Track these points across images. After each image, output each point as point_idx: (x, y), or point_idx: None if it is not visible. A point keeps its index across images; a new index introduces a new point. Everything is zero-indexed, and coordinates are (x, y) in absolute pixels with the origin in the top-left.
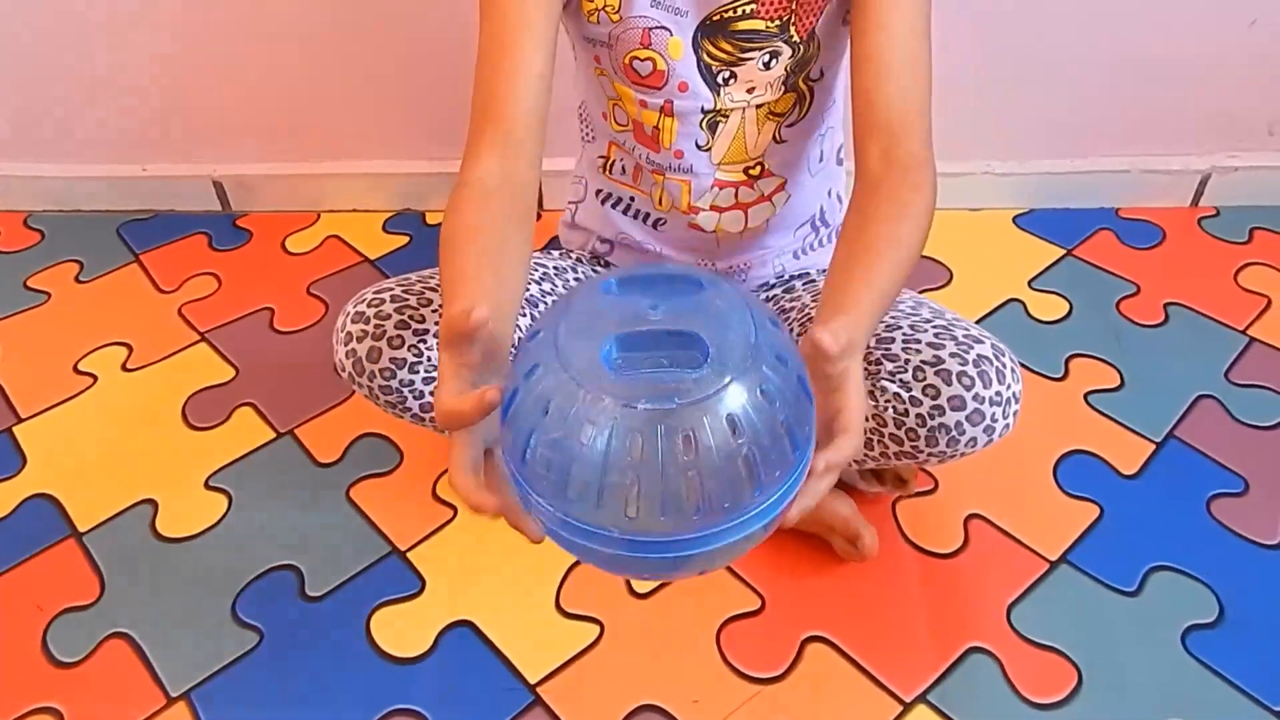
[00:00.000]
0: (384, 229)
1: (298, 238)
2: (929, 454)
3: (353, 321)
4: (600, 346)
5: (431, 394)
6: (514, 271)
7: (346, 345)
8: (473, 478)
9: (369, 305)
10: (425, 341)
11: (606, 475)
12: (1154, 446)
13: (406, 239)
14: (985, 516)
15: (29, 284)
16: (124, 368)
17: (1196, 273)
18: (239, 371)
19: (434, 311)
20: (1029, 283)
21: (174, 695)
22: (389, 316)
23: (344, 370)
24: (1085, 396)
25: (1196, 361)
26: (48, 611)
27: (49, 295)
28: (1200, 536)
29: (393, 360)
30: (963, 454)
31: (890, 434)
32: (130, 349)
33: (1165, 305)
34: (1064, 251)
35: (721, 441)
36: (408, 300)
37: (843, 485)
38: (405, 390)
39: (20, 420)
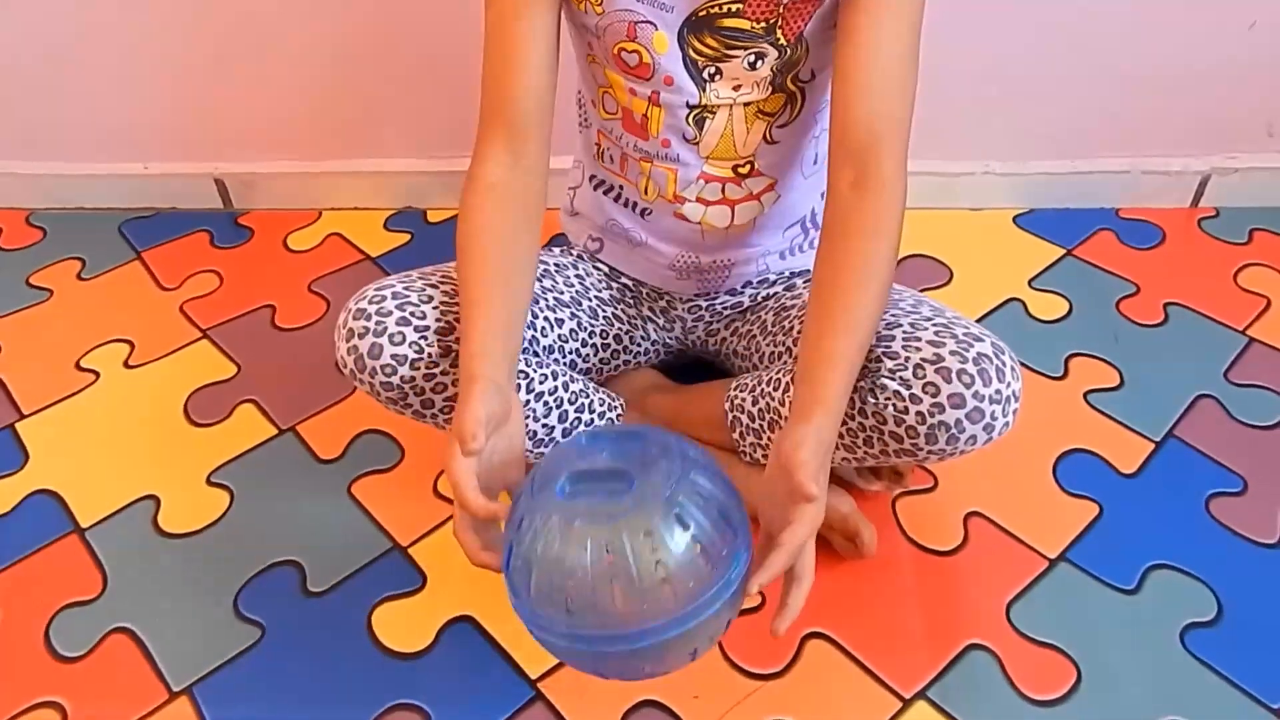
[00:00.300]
0: (385, 227)
1: (299, 235)
2: (928, 452)
3: (354, 318)
4: (556, 482)
5: (432, 390)
6: (524, 278)
7: (348, 342)
8: (474, 537)
9: (370, 302)
10: (426, 339)
11: (553, 577)
12: (1153, 446)
13: (408, 237)
14: (985, 514)
15: (31, 281)
16: (126, 365)
17: (1196, 273)
18: (240, 368)
19: (435, 308)
20: (1029, 282)
21: (176, 690)
22: (390, 314)
23: (345, 367)
24: (1085, 395)
25: (1196, 361)
26: (50, 605)
27: (51, 292)
28: (1199, 535)
29: (394, 357)
30: (962, 452)
31: (890, 432)
32: (132, 346)
33: (1165, 305)
34: (1064, 251)
35: (640, 548)
36: (409, 297)
37: (841, 482)
38: (406, 387)
39: (22, 416)
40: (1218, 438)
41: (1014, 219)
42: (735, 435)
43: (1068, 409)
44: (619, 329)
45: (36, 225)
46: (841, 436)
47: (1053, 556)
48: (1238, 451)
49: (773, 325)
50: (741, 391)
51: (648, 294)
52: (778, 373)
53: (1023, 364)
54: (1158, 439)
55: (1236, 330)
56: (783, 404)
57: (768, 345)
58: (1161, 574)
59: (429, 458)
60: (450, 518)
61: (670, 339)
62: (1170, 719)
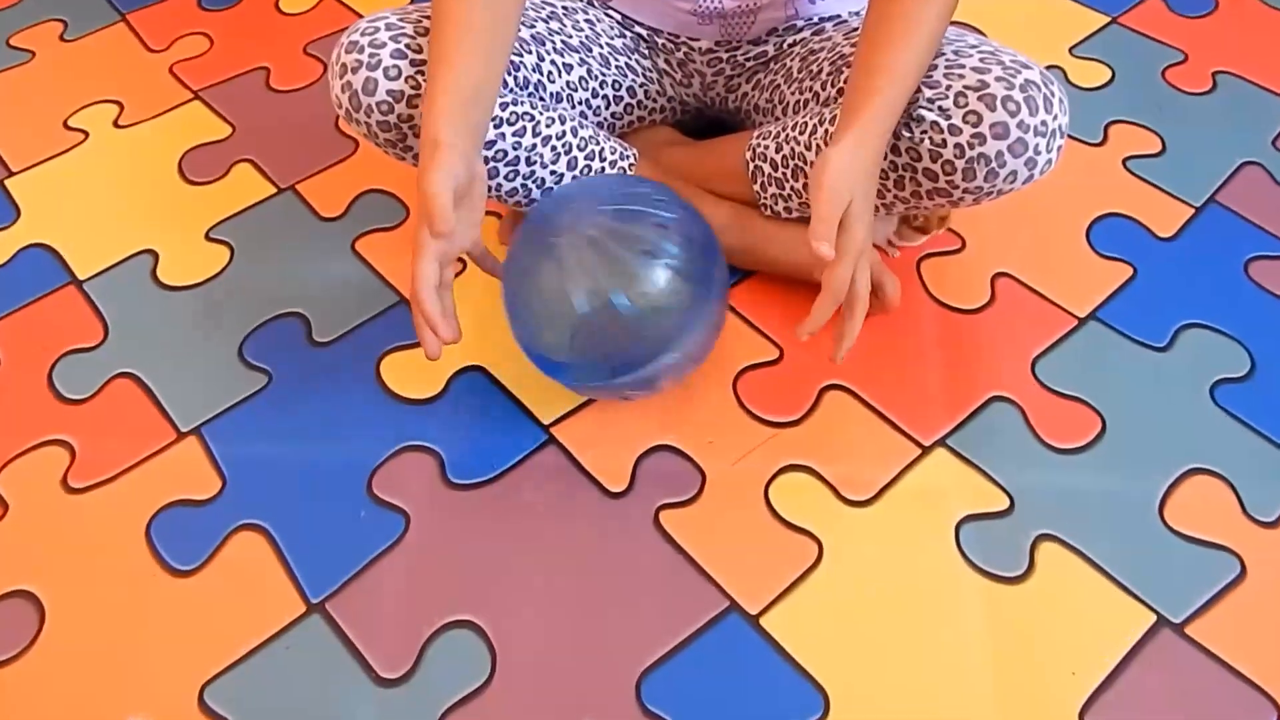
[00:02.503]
0: None
1: None
2: (964, 190)
3: (346, 51)
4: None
5: None
6: (502, 36)
7: (341, 78)
8: (435, 295)
9: (363, 34)
10: (424, 73)
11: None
12: (1193, 211)
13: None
14: (1013, 275)
15: (11, 43)
16: (116, 124)
17: (1248, 41)
18: (235, 129)
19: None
20: (1070, 50)
21: (184, 430)
22: (384, 45)
23: (340, 107)
24: (1124, 162)
25: (1243, 129)
26: (52, 351)
27: (33, 54)
28: (1236, 296)
29: (390, 93)
30: (1000, 191)
31: (924, 169)
32: (121, 106)
33: (1214, 74)
34: (1109, 19)
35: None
36: (404, 29)
37: None
38: (405, 126)
39: (11, 174)
40: (1261, 203)
41: None
42: (756, 187)
43: (1105, 174)
44: (632, 81)
45: None
46: None
47: (1082, 315)
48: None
49: (799, 72)
50: (764, 140)
51: (663, 44)
52: (804, 117)
53: None
54: (1198, 204)
55: None
56: (809, 148)
57: (793, 94)
58: (1194, 332)
59: None
60: (459, 272)
61: (688, 95)
62: (1197, 467)
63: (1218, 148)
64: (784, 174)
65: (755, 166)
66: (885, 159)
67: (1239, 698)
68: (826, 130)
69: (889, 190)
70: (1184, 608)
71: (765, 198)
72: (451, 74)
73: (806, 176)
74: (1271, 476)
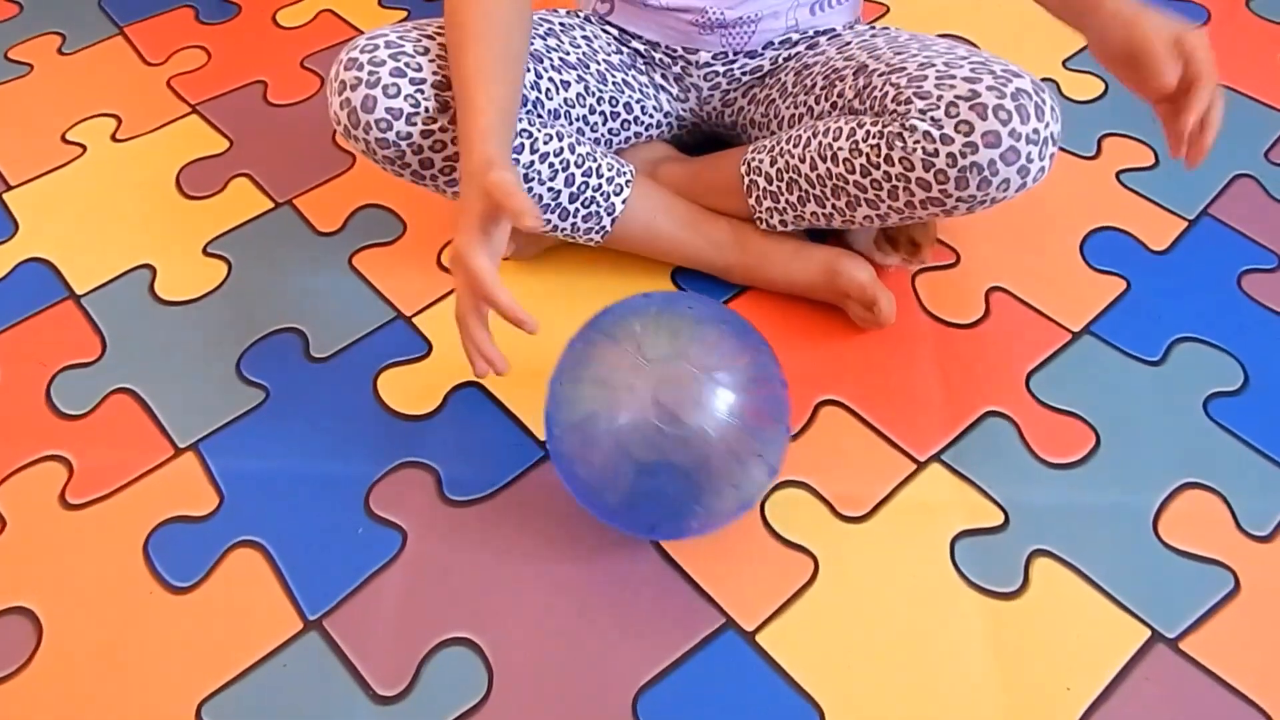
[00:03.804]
0: (380, 4)
1: (289, 12)
2: (958, 199)
3: (345, 69)
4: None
5: (430, 148)
6: (520, 54)
7: (340, 95)
8: (482, 327)
9: (362, 51)
10: (423, 92)
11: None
12: (1186, 224)
13: (404, 13)
14: (1007, 289)
15: (9, 56)
16: (114, 138)
17: (1241, 54)
18: (233, 143)
19: (431, 61)
20: (1063, 63)
21: (182, 446)
22: (383, 63)
23: (339, 124)
24: (1117, 175)
25: (1236, 141)
26: (50, 367)
27: (31, 67)
28: (1229, 310)
29: (389, 110)
30: (994, 200)
31: (918, 179)
32: (119, 120)
33: None
34: None
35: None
36: (403, 47)
37: (857, 253)
38: (404, 144)
39: (10, 187)
40: (1254, 216)
41: None
42: (751, 201)
43: (1099, 187)
44: (629, 97)
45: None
46: (864, 190)
47: (1076, 329)
48: (1274, 229)
49: (793, 86)
50: (759, 154)
51: (660, 59)
52: (798, 131)
53: None
54: (1191, 217)
55: (1279, 111)
56: (803, 160)
57: (787, 109)
58: (1188, 346)
59: (432, 230)
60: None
61: (684, 110)
62: (1190, 481)
63: (1210, 160)
64: (779, 187)
65: (750, 180)
66: (879, 169)
67: (1233, 712)
68: (820, 143)
69: (882, 201)
70: (1179, 623)
71: (760, 211)
72: (490, 90)
73: (801, 190)
74: (1265, 490)
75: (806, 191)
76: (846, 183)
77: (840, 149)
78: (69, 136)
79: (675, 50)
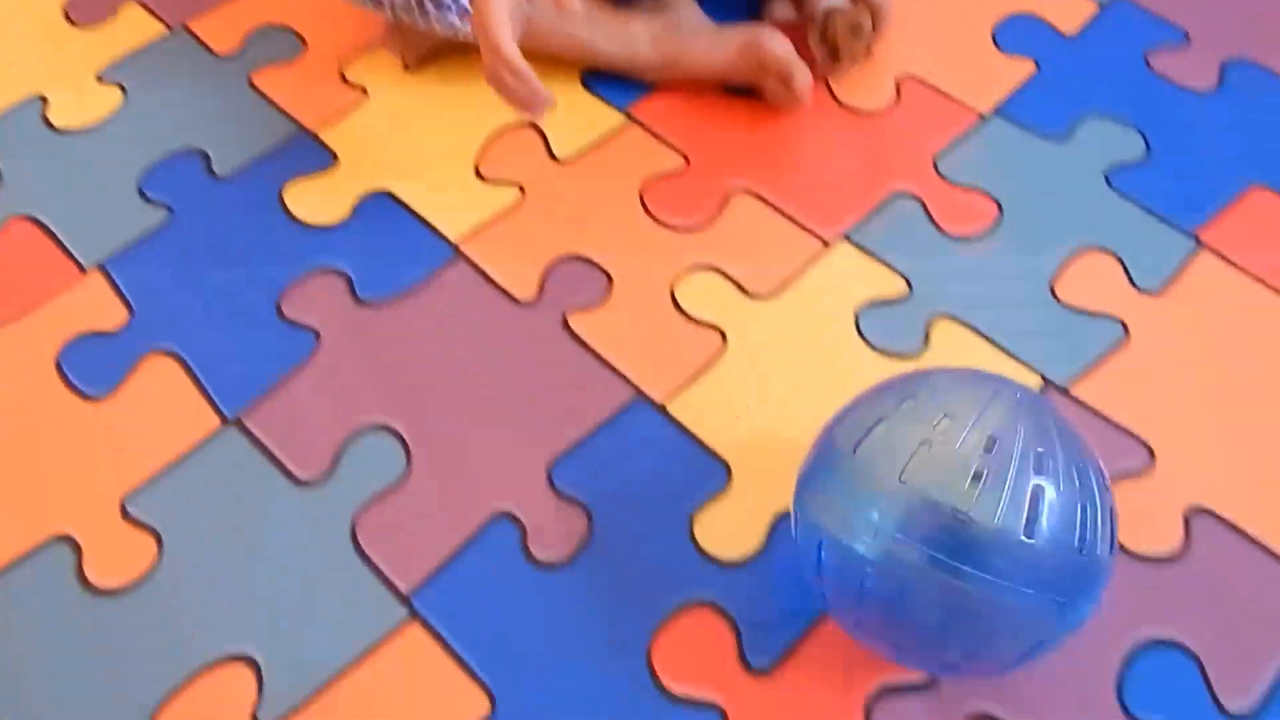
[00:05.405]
0: None
1: None
2: None
3: None
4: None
5: None
6: None
7: None
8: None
9: None
10: None
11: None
12: (1097, 7)
13: None
14: (918, 76)
15: None
16: None
17: None
18: None
19: None
20: None
21: (87, 266)
22: None
23: None
24: None
25: None
26: None
27: None
28: (1136, 87)
29: None
30: None
31: None
32: None
33: None
34: None
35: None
36: None
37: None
38: None
39: None
40: None
41: None
42: None
43: None
44: None
45: None
46: None
47: (985, 111)
48: (1185, 2)
49: None
50: None
51: None
52: None
53: None
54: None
55: None
56: None
57: None
58: (1094, 122)
59: (333, 47)
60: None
61: None
62: (1087, 244)
63: None
64: None
65: None
66: None
67: (1120, 446)
68: None
69: None
70: (1069, 370)
71: None
72: None
73: None
74: (1159, 249)
75: None
76: None
77: None
78: None
79: None
